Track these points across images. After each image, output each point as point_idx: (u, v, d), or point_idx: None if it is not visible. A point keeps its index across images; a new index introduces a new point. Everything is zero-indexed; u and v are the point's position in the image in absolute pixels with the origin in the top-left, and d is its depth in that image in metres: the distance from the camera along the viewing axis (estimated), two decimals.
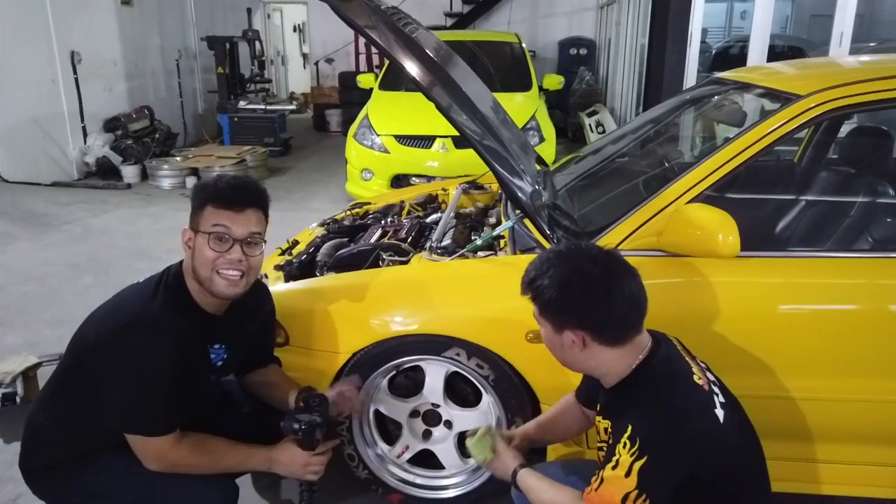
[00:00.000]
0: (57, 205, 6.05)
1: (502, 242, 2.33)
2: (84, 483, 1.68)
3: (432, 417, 2.16)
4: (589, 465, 1.81)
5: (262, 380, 1.95)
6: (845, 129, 2.83)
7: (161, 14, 8.90)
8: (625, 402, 1.42)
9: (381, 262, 2.30)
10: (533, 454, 2.08)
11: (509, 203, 2.52)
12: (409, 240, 2.60)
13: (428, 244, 2.36)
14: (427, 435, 2.17)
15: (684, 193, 1.92)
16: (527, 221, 2.12)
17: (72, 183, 7.04)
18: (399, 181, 5.70)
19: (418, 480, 2.20)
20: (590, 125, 8.53)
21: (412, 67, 2.09)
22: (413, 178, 5.69)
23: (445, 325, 1.99)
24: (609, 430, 1.46)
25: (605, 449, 1.49)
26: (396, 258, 2.30)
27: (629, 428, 1.33)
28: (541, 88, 6.93)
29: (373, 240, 2.66)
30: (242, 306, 1.78)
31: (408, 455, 2.18)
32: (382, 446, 2.21)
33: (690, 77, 6.50)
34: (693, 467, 1.32)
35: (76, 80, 7.18)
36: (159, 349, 1.58)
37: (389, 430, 2.23)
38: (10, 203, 5.92)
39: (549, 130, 5.97)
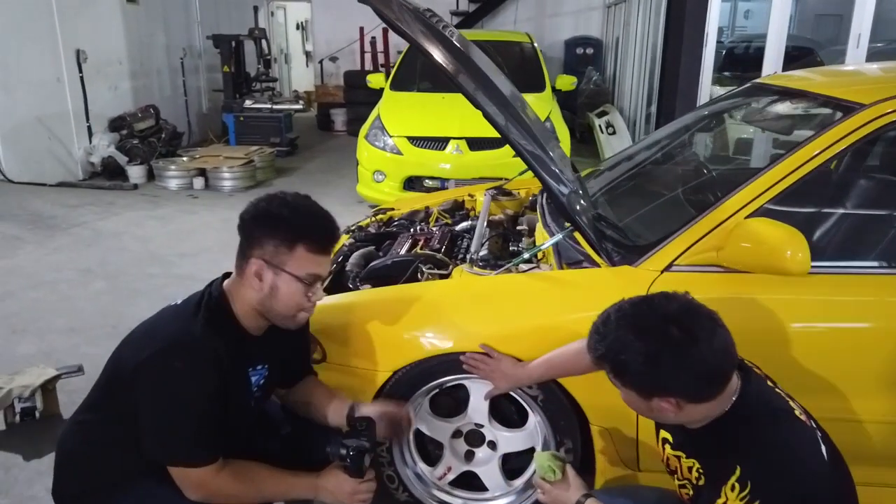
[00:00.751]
0: (64, 206, 5.94)
1: (540, 254, 2.25)
2: None
3: (475, 438, 2.07)
4: (647, 493, 1.73)
5: (302, 397, 1.86)
6: None
7: (166, 12, 8.80)
8: (722, 442, 1.33)
9: (419, 275, 2.21)
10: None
11: (549, 212, 2.44)
12: (442, 249, 2.52)
13: (468, 256, 2.28)
14: (470, 456, 2.09)
15: (743, 207, 1.83)
16: (576, 234, 2.03)
17: (77, 183, 6.94)
18: (412, 183, 5.62)
19: (461, 503, 2.11)
20: (600, 126, 8.44)
21: (439, 55, 1.98)
22: (426, 180, 5.61)
23: (493, 342, 1.90)
24: (698, 469, 1.37)
25: (688, 487, 1.41)
26: (436, 271, 2.21)
27: (738, 470, 1.25)
28: (553, 89, 6.85)
29: (403, 249, 2.57)
30: None
31: (450, 476, 2.10)
32: (423, 467, 2.12)
33: (706, 77, 6.43)
34: None
35: (81, 78, 7.07)
36: (201, 373, 1.49)
37: (430, 451, 2.15)
38: (17, 205, 5.82)
39: (563, 132, 5.89)
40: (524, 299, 1.97)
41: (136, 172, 7.13)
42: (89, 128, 7.24)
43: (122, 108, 7.75)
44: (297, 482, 1.65)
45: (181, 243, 5.05)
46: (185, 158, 7.37)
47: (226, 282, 1.63)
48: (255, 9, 9.76)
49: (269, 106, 8.71)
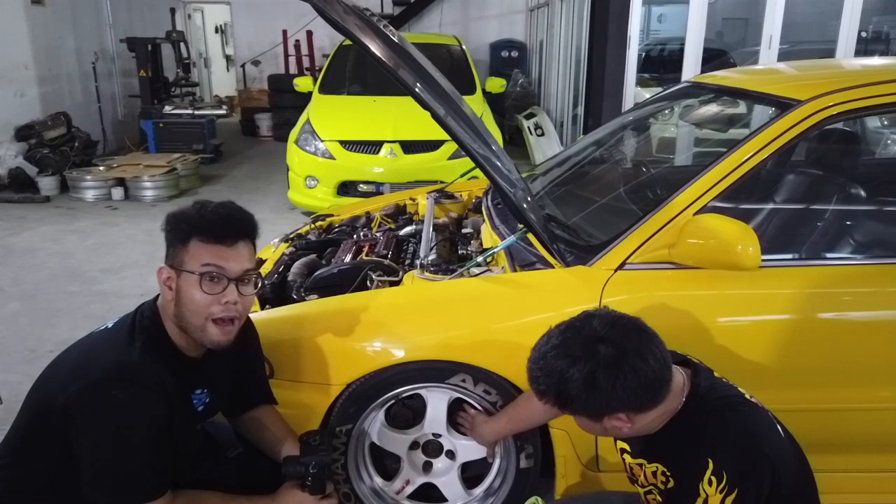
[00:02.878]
0: None
1: (491, 257, 2.22)
2: None
3: (433, 448, 2.02)
4: (613, 498, 1.73)
5: (253, 422, 1.76)
6: None
7: (75, 14, 8.33)
8: (685, 439, 1.32)
9: (368, 283, 2.14)
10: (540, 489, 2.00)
11: (497, 214, 2.41)
12: (388, 255, 2.46)
13: (418, 262, 2.22)
14: (428, 467, 2.03)
15: (691, 204, 1.86)
16: (529, 235, 2.01)
17: None
18: (346, 188, 5.52)
19: None
20: (528, 128, 8.54)
21: (378, 48, 1.91)
22: (361, 185, 5.51)
23: (449, 349, 1.85)
24: (664, 472, 1.37)
25: (655, 492, 1.40)
26: (386, 278, 2.14)
27: (710, 464, 1.25)
28: (483, 91, 6.88)
29: (348, 257, 2.49)
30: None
31: (409, 490, 2.03)
32: (380, 482, 2.05)
33: (630, 79, 6.62)
34: (774, 489, 1.26)
35: None
36: (144, 402, 1.38)
37: (387, 465, 2.07)
38: None
39: (496, 134, 5.90)
40: (481, 303, 1.92)
41: (47, 184, 6.70)
42: None
43: (29, 116, 7.28)
44: None
45: (103, 258, 4.76)
46: (101, 168, 6.99)
47: (159, 301, 1.52)
48: (172, 11, 9.38)
49: (190, 111, 8.38)
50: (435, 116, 1.91)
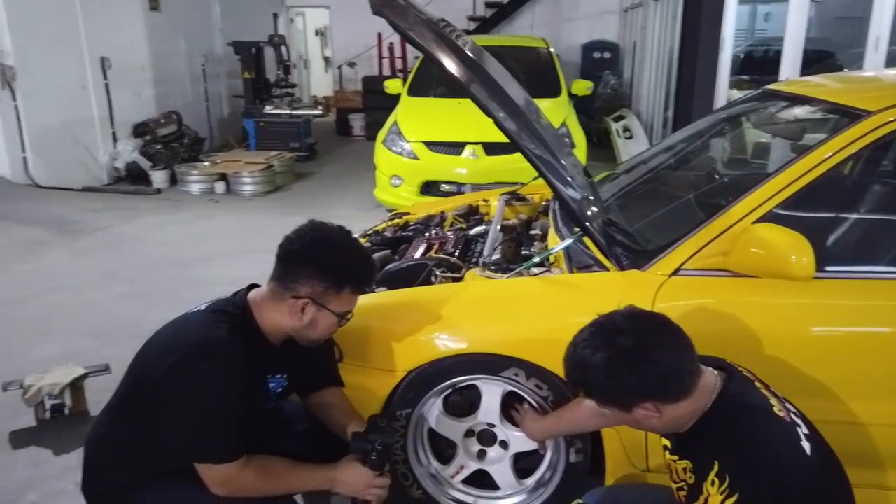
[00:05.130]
0: (88, 211, 6.08)
1: (552, 258, 2.29)
2: None
3: (487, 437, 2.12)
4: (659, 492, 1.77)
5: (322, 401, 1.93)
6: None
7: (188, 19, 8.96)
8: (704, 440, 1.39)
9: (433, 278, 2.27)
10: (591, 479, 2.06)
11: (560, 217, 2.48)
12: (456, 253, 2.58)
13: (480, 260, 2.33)
14: (482, 455, 2.14)
15: (751, 212, 1.87)
16: (585, 239, 2.08)
17: (102, 188, 7.10)
18: (428, 188, 5.69)
19: (473, 501, 2.16)
20: (616, 130, 8.45)
21: (452, 65, 2.05)
22: (443, 185, 5.67)
23: (504, 344, 1.96)
24: (689, 469, 1.42)
25: (685, 489, 1.46)
26: (449, 274, 2.27)
27: (715, 465, 1.30)
28: (569, 94, 6.89)
29: (418, 253, 2.63)
30: None
31: (462, 475, 2.15)
32: (436, 465, 2.18)
33: (723, 82, 6.43)
34: (779, 501, 1.28)
35: (106, 85, 7.25)
36: (226, 374, 1.56)
37: (443, 450, 2.20)
38: (44, 209, 5.97)
39: (579, 137, 5.93)
40: (534, 302, 2.02)
41: (159, 177, 7.28)
42: (114, 133, 7.42)
43: (145, 114, 7.91)
44: (316, 474, 1.73)
45: (201, 247, 5.15)
46: (206, 163, 7.51)
47: (251, 295, 1.70)
48: (275, 16, 9.89)
49: (288, 111, 8.83)
50: (499, 125, 2.01)
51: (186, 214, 6.18)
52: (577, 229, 2.11)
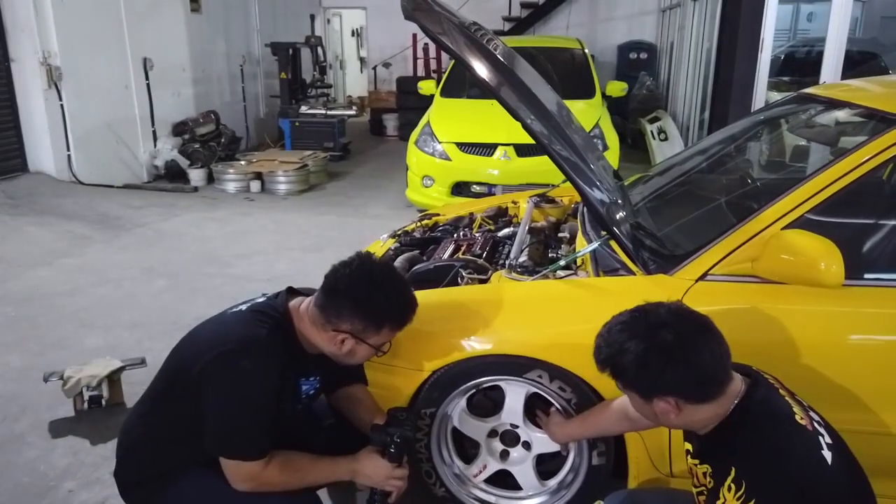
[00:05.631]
0: (129, 207, 6.25)
1: (579, 261, 2.30)
2: (175, 498, 1.72)
3: (510, 438, 2.13)
4: (681, 496, 1.76)
5: (346, 397, 1.96)
6: None
7: (227, 21, 9.14)
8: (724, 445, 1.39)
9: (459, 279, 2.29)
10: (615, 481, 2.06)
11: (588, 220, 2.48)
12: (483, 255, 2.59)
13: (507, 262, 2.34)
14: (505, 455, 2.15)
15: (780, 218, 1.85)
16: (612, 242, 2.08)
17: (142, 185, 7.28)
18: (459, 188, 5.72)
19: (495, 500, 2.18)
20: (651, 132, 8.37)
21: (482, 69, 2.07)
22: (474, 186, 5.69)
23: (529, 346, 1.97)
24: (709, 474, 1.42)
25: (705, 493, 1.45)
26: (476, 276, 2.29)
27: (733, 471, 1.31)
28: (603, 95, 6.85)
29: (446, 254, 2.65)
30: None
31: (485, 474, 2.17)
32: (459, 464, 2.20)
33: (761, 84, 6.31)
34: None
35: (148, 85, 7.43)
36: (264, 373, 1.61)
37: (467, 449, 2.22)
38: (87, 205, 6.14)
39: (612, 138, 5.89)
40: (559, 305, 2.03)
41: (196, 175, 7.44)
42: (154, 132, 7.61)
43: (184, 114, 8.09)
44: (337, 467, 1.77)
45: (237, 244, 5.26)
46: (242, 162, 7.65)
47: (292, 303, 1.75)
48: (312, 17, 10.03)
49: (323, 112, 8.94)
50: (526, 128, 2.02)
51: (223, 212, 6.31)
52: (603, 233, 2.11)
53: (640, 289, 1.96)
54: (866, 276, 1.86)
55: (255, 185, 7.23)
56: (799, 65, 9.35)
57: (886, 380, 1.78)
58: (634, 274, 2.02)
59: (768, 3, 6.07)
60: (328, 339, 1.69)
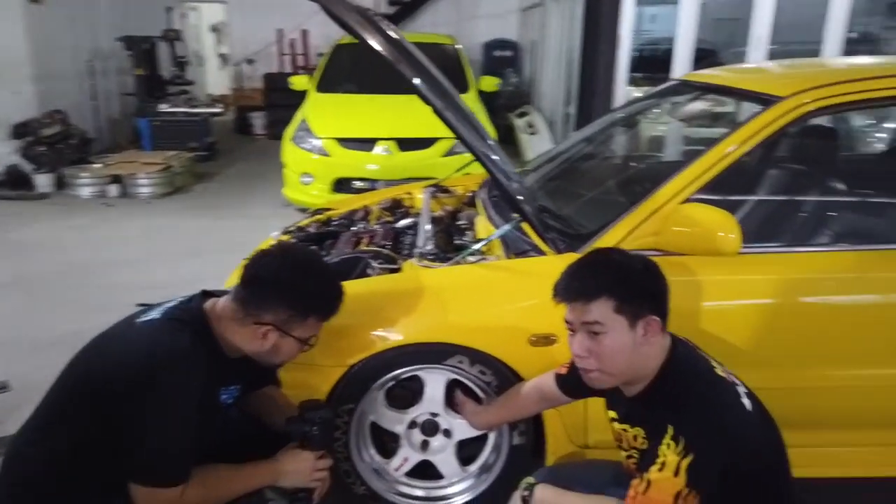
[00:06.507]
0: None
1: (485, 247, 2.31)
2: None
3: (430, 427, 2.11)
4: (603, 466, 1.81)
5: (260, 398, 1.85)
6: None
7: (72, 13, 8.35)
8: (656, 405, 1.44)
9: (369, 271, 2.23)
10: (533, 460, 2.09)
11: (493, 206, 2.51)
12: (387, 246, 2.55)
13: (416, 251, 2.31)
14: (425, 445, 2.12)
15: (677, 194, 1.96)
16: (524, 225, 2.10)
17: None
18: (341, 185, 5.60)
19: (419, 493, 2.14)
20: (520, 126, 8.65)
21: (381, 47, 2.02)
22: (355, 182, 5.59)
23: (448, 332, 1.95)
24: (641, 436, 1.47)
25: (635, 456, 1.50)
26: (386, 266, 2.24)
27: (670, 429, 1.35)
28: (478, 91, 6.98)
29: (348, 248, 2.58)
30: None
31: (406, 467, 2.13)
32: (379, 460, 2.14)
33: (621, 77, 6.73)
34: (733, 457, 1.35)
35: None
36: (192, 386, 1.48)
37: (385, 443, 2.17)
38: None
39: (490, 131, 5.98)
40: (478, 288, 2.02)
41: (43, 181, 6.76)
42: None
43: (26, 114, 7.31)
44: (257, 472, 1.66)
45: (103, 253, 4.83)
46: (98, 165, 7.05)
47: (207, 305, 1.62)
48: (168, 9, 9.43)
49: (185, 109, 8.45)
50: (435, 109, 2.00)
51: (82, 220, 5.77)
52: (515, 215, 2.13)
53: (553, 267, 1.97)
54: (761, 244, 2.00)
55: (114, 190, 6.69)
56: (647, 63, 10.07)
57: (785, 339, 1.94)
58: (545, 254, 2.06)
59: (625, 4, 6.48)
60: (250, 335, 1.57)
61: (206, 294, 1.67)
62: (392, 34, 2.16)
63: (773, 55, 6.48)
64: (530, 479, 1.76)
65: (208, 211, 6.15)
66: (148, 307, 1.65)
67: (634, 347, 1.43)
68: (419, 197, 3.16)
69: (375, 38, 2.02)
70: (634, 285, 1.43)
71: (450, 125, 2.03)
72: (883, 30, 9.74)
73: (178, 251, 4.85)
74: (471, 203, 3.03)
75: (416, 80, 2.01)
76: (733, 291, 1.95)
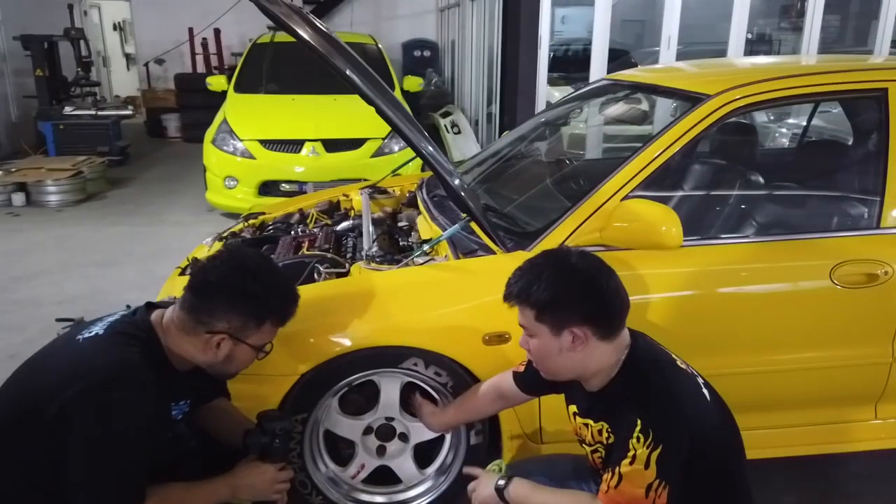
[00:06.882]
0: None
1: (435, 247, 2.31)
2: None
3: (386, 432, 2.09)
4: (562, 461, 1.85)
5: (211, 411, 1.79)
6: None
7: None
8: (621, 399, 1.46)
9: (316, 275, 2.19)
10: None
11: (435, 206, 2.51)
12: (329, 250, 2.50)
13: (363, 253, 2.29)
14: (381, 451, 2.10)
15: (618, 191, 2.02)
16: (472, 224, 2.12)
17: None
18: (267, 188, 5.47)
19: (380, 499, 2.12)
20: (445, 126, 8.69)
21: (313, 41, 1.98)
22: (283, 185, 5.47)
23: (402, 334, 1.94)
24: (606, 430, 1.50)
25: (600, 450, 1.54)
26: (333, 270, 2.20)
27: (638, 422, 1.38)
28: (402, 91, 6.97)
29: (290, 253, 2.52)
30: None
31: (363, 474, 2.10)
32: (335, 468, 2.11)
33: (542, 77, 6.87)
34: (697, 445, 1.40)
35: None
36: (142, 405, 1.40)
37: (341, 451, 2.13)
38: None
39: None
40: (429, 289, 2.02)
41: None
42: None
43: None
44: (216, 487, 1.60)
45: (13, 266, 4.52)
46: None
47: (154, 317, 1.54)
48: (70, 7, 8.91)
49: (93, 112, 8.01)
50: (372, 104, 1.98)
51: None
52: (463, 215, 2.14)
53: (502, 266, 1.99)
54: (702, 236, 2.09)
55: (19, 198, 6.27)
56: (561, 63, 10.34)
57: (730, 326, 2.03)
58: (494, 253, 2.08)
59: (543, 4, 6.62)
60: (202, 346, 1.50)
61: (151, 306, 1.60)
62: (321, 27, 2.13)
63: (682, 55, 6.80)
64: (500, 463, 1.76)
65: (126, 218, 5.86)
66: (77, 322, 1.57)
67: (563, 353, 1.46)
68: (357, 199, 3.12)
69: (306, 31, 1.98)
70: (558, 297, 1.43)
71: (389, 121, 2.02)
72: (776, 31, 10.37)
73: (95, 261, 4.59)
74: (410, 203, 3.02)
75: (348, 71, 1.98)
76: (676, 283, 2.03)
